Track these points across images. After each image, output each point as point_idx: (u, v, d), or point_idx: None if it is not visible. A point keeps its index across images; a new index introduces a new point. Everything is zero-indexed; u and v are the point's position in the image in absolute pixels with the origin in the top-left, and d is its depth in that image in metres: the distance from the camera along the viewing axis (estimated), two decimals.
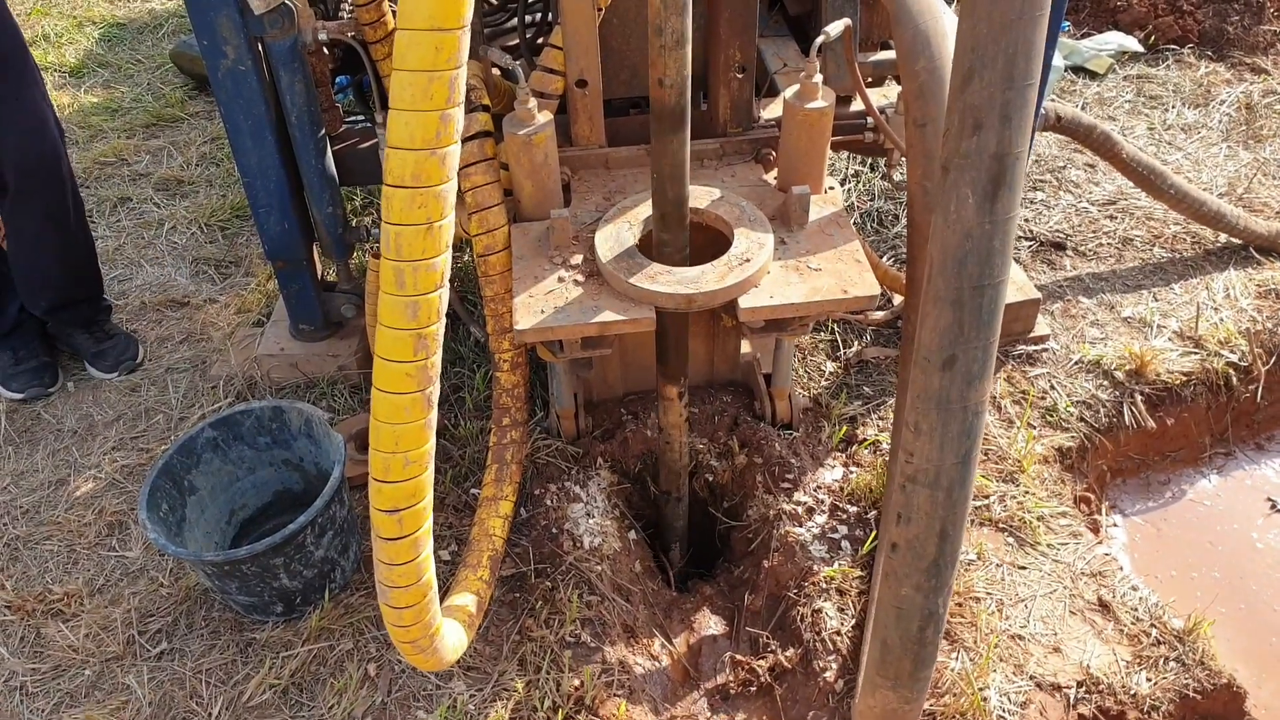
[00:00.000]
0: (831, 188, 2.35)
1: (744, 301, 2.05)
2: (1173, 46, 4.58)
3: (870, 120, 2.65)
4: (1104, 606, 2.49)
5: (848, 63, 2.34)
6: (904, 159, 2.96)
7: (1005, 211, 1.28)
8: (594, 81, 2.28)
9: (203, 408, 3.00)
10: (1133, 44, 4.48)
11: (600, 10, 2.19)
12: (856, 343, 3.14)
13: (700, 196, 2.22)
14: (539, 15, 2.85)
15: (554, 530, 2.56)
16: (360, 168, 2.76)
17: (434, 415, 1.44)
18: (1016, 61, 1.22)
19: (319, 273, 2.91)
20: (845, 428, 2.81)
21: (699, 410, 2.82)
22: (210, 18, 2.32)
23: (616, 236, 2.15)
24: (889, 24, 2.87)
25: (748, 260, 2.07)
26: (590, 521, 2.59)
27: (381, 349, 1.36)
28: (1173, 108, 4.23)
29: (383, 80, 2.55)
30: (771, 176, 2.41)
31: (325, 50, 2.60)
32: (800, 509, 2.63)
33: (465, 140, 2.18)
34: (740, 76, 2.32)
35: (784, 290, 2.07)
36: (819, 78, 2.18)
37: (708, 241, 2.20)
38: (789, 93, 2.21)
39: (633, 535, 2.68)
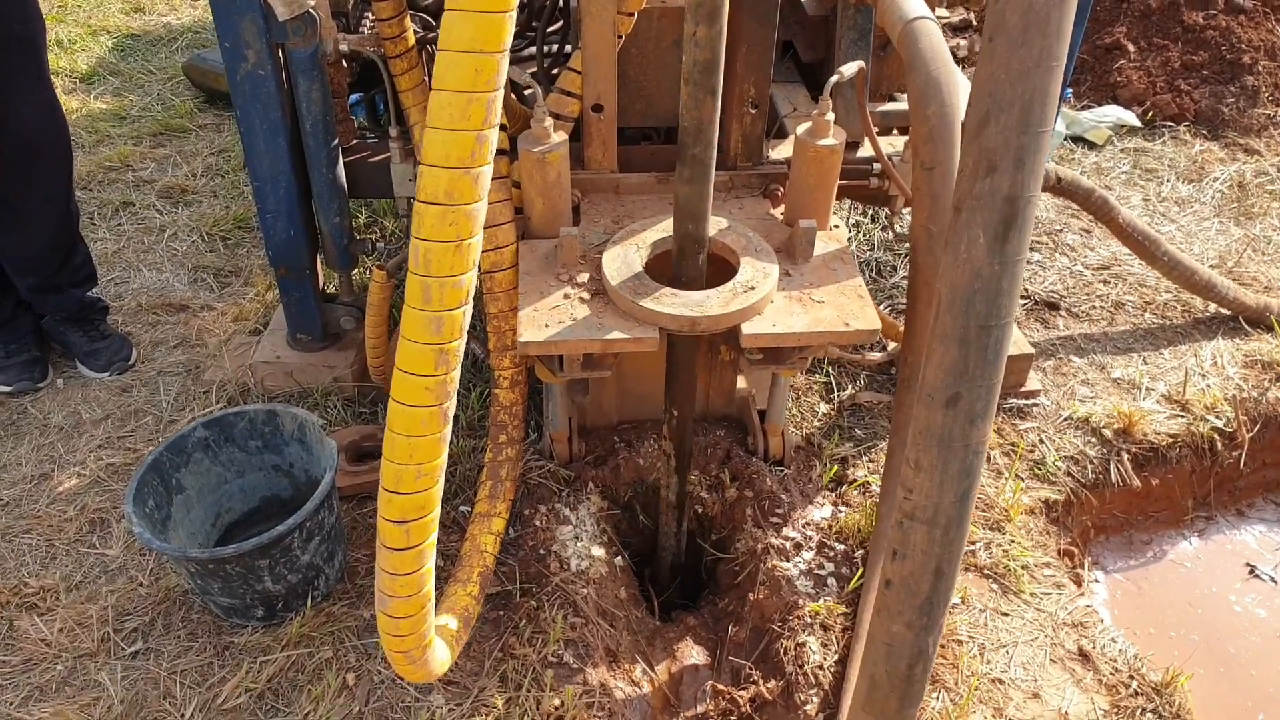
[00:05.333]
0: (836, 225, 2.40)
1: (746, 328, 2.08)
2: (1169, 124, 4.71)
3: (876, 167, 2.71)
4: (1084, 656, 2.49)
5: (858, 105, 2.39)
6: (907, 208, 3.03)
7: (1015, 253, 1.31)
8: (610, 107, 2.32)
9: (193, 411, 2.99)
10: (1131, 118, 4.60)
11: (620, 38, 2.24)
12: (850, 386, 3.16)
13: (710, 225, 2.25)
14: (556, 46, 2.91)
15: (541, 551, 2.55)
16: (370, 181, 2.79)
17: (449, 430, 1.45)
18: (1032, 108, 1.26)
19: (320, 283, 2.92)
20: (836, 467, 2.82)
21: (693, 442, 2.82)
22: (234, 21, 2.36)
23: (624, 258, 2.18)
24: (898, 76, 2.96)
25: (752, 288, 2.10)
26: (578, 545, 2.58)
27: (403, 362, 1.38)
28: (1168, 181, 4.33)
29: (400, 96, 2.58)
30: (778, 211, 2.45)
31: (343, 63, 2.64)
32: (788, 544, 2.63)
33: None
34: (753, 112, 2.37)
35: (786, 319, 2.10)
36: (831, 116, 2.23)
37: (714, 269, 2.23)
38: (801, 129, 2.26)
39: (619, 561, 2.67)
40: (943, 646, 2.44)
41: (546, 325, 2.06)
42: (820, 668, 2.37)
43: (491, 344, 2.34)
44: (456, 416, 2.88)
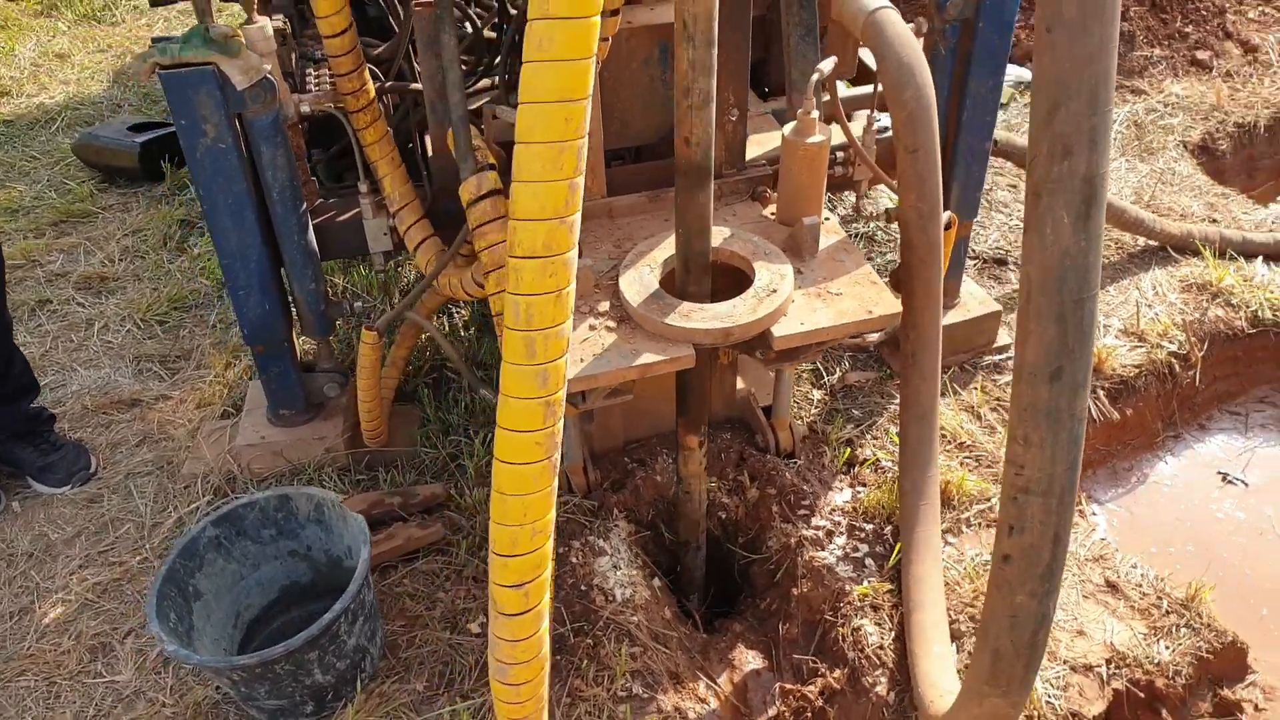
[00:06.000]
0: (827, 217, 2.44)
1: (777, 330, 2.10)
2: None
3: (839, 155, 2.77)
4: (1112, 587, 2.61)
5: (832, 98, 2.44)
6: (871, 190, 3.10)
7: (1097, 228, 1.37)
8: (595, 135, 2.31)
9: (178, 510, 2.83)
10: (1027, 75, 4.83)
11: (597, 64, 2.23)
12: (838, 369, 3.23)
13: (712, 236, 2.26)
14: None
15: (583, 587, 2.51)
16: (340, 241, 2.69)
17: (556, 483, 1.42)
18: (1098, 91, 1.31)
19: (298, 353, 2.81)
20: (848, 450, 2.88)
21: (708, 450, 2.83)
22: (189, 96, 2.24)
23: (640, 280, 2.17)
24: (845, 65, 3.03)
25: (774, 291, 2.12)
26: (618, 574, 2.56)
27: (508, 421, 1.34)
28: None
29: (366, 150, 2.51)
30: (769, 211, 2.48)
31: (301, 124, 2.55)
32: (820, 533, 2.67)
33: (479, 199, 2.17)
34: (734, 119, 2.39)
35: (812, 316, 2.13)
36: (816, 114, 2.27)
37: (726, 278, 2.24)
38: (788, 129, 2.30)
39: (656, 582, 2.65)
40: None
41: (581, 359, 2.03)
42: (881, 648, 2.42)
43: None
44: (464, 466, 2.83)
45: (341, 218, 2.69)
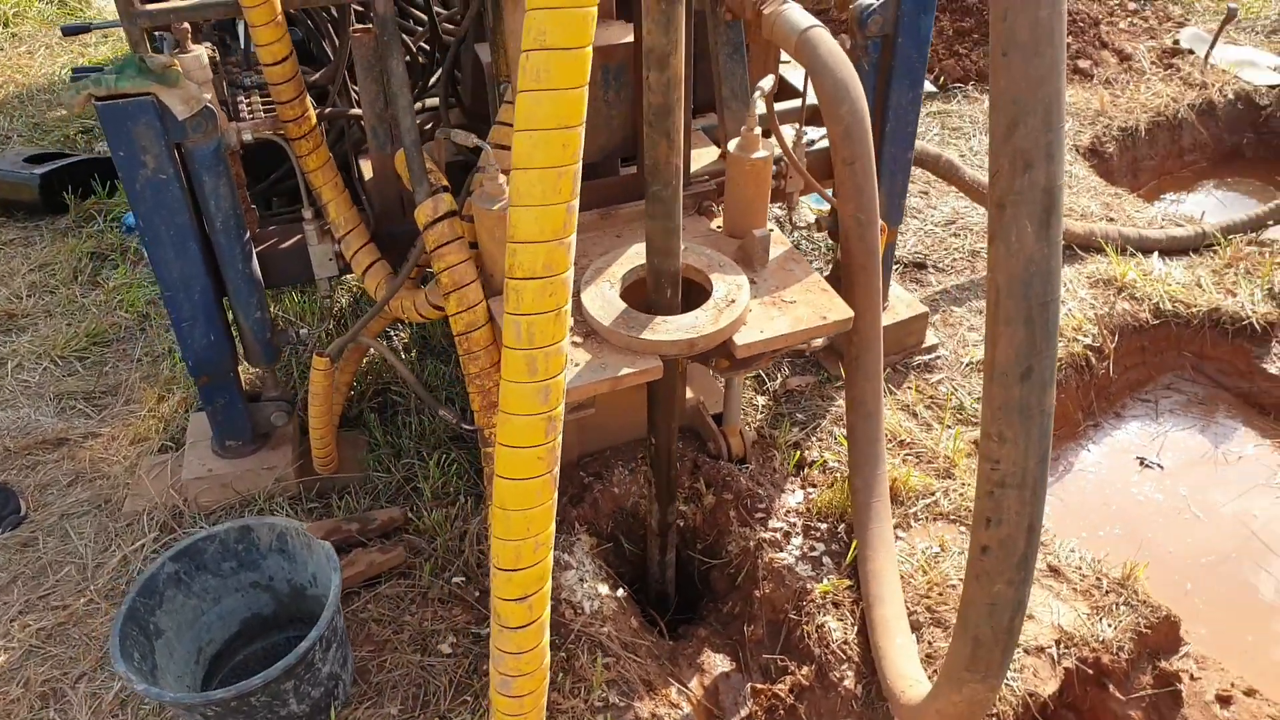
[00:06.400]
0: (772, 229, 2.52)
1: (739, 339, 2.16)
2: (959, 85, 5.21)
3: (774, 168, 2.86)
4: (1054, 571, 2.76)
5: (769, 114, 2.53)
6: (801, 199, 3.20)
7: (1057, 236, 1.47)
8: None
9: (122, 548, 2.73)
10: (928, 85, 5.05)
11: None
12: (778, 375, 3.32)
13: None
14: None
15: (553, 601, 2.52)
16: (282, 268, 2.65)
17: (556, 497, 1.45)
18: (1052, 108, 1.41)
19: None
20: (797, 454, 2.96)
21: None
22: (128, 127, 2.19)
23: (602, 296, 2.20)
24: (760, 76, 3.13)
25: (733, 301, 2.19)
26: (585, 586, 2.58)
27: (508, 437, 1.36)
28: (974, 136, 4.79)
29: (308, 176, 2.48)
30: (716, 225, 2.55)
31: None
32: (778, 535, 2.74)
33: (435, 221, 2.18)
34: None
35: (771, 324, 2.20)
36: (759, 130, 2.35)
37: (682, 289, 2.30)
38: (733, 145, 2.37)
39: (621, 593, 2.68)
40: (940, 594, 2.63)
41: None
42: (845, 643, 2.50)
43: (477, 404, 2.30)
44: (419, 489, 2.81)
45: (284, 245, 2.65)
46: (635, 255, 2.32)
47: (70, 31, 2.85)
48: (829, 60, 2.39)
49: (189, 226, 2.37)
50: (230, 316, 2.63)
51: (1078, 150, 4.78)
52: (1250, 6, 6.05)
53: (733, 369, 2.41)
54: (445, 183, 2.26)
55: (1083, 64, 5.34)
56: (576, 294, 2.25)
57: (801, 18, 2.47)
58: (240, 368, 2.75)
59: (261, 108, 2.66)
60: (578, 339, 2.16)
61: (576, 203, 1.30)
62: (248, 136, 2.38)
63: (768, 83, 2.36)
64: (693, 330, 2.11)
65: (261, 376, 2.78)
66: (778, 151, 2.70)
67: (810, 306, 2.26)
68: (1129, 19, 5.75)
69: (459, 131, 2.17)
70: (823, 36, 2.42)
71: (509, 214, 1.28)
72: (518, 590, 1.45)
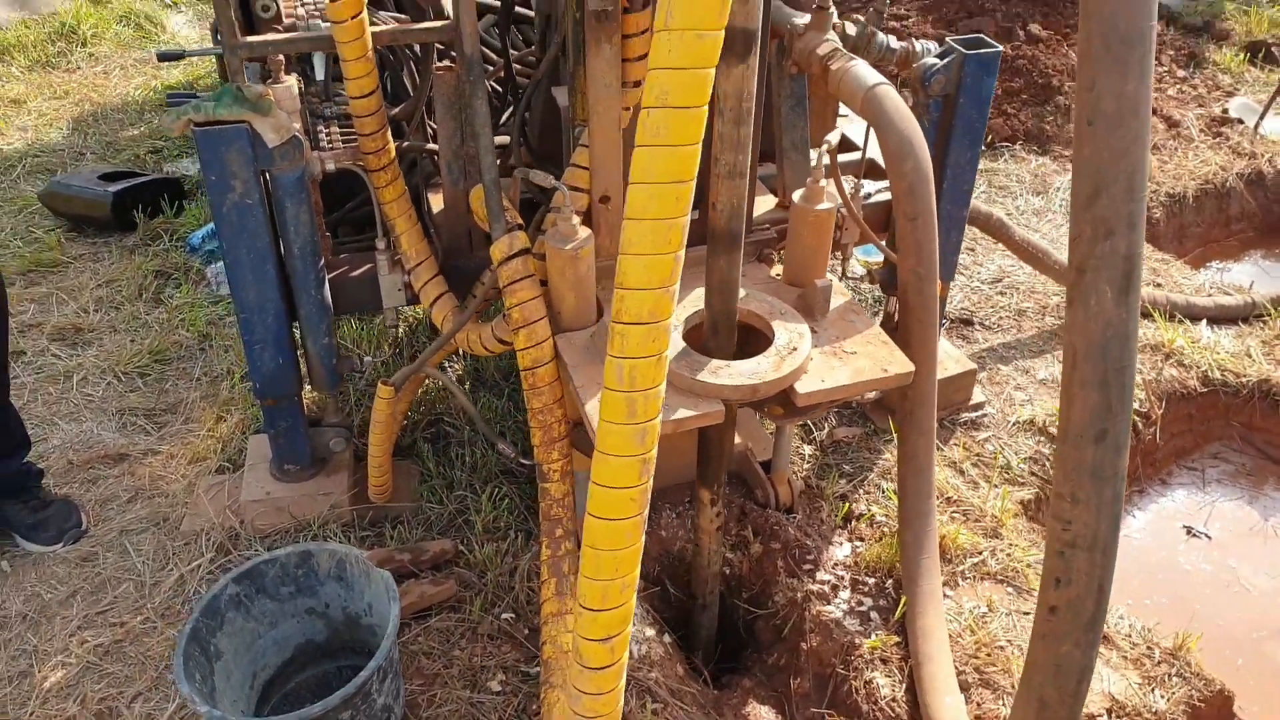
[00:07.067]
0: (832, 279, 2.56)
1: (800, 387, 2.19)
2: (1006, 144, 5.25)
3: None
4: (1105, 638, 2.73)
5: (833, 167, 2.57)
6: (854, 252, 3.24)
7: (1135, 301, 1.50)
8: (616, 198, 2.40)
9: (179, 567, 2.77)
10: None
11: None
12: (825, 425, 3.33)
13: None
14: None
15: None
16: (352, 296, 2.72)
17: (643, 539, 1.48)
18: (1135, 179, 1.45)
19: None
20: (846, 505, 2.97)
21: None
22: (221, 153, 2.27)
23: None
24: (822, 135, 3.19)
25: (795, 350, 2.22)
26: (633, 629, 2.58)
27: (604, 477, 1.40)
28: (1021, 196, 4.83)
29: (384, 208, 2.55)
30: (775, 272, 2.59)
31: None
32: (826, 587, 2.74)
33: (510, 258, 2.23)
34: None
35: (832, 374, 2.23)
36: (825, 182, 2.40)
37: (741, 335, 2.33)
38: (797, 196, 2.42)
39: (668, 639, 2.69)
40: (989, 654, 2.61)
41: None
42: (894, 700, 2.49)
43: (538, 439, 2.33)
44: (471, 522, 2.84)
45: (354, 273, 2.72)
46: (696, 299, 2.36)
47: (166, 58, 2.96)
48: (895, 117, 2.45)
49: (269, 251, 2.44)
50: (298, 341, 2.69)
51: None
52: None
53: (787, 416, 2.44)
54: (520, 220, 2.32)
55: None
56: None
57: (869, 74, 2.54)
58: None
59: (340, 138, 2.74)
60: None
61: (683, 253, 1.34)
62: (330, 166, 2.46)
63: (835, 137, 2.42)
64: (755, 376, 2.14)
65: (322, 402, 2.84)
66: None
67: (871, 359, 2.28)
68: (1177, 86, 5.79)
69: (536, 172, 2.24)
70: (889, 93, 2.48)
71: (619, 261, 1.32)
72: (601, 630, 1.47)
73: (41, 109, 5.86)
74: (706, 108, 1.27)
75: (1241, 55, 6.21)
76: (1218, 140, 5.36)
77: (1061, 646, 1.65)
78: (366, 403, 3.33)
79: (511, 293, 2.23)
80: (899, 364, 2.28)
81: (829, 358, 2.29)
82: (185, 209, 4.60)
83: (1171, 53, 5.95)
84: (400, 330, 3.73)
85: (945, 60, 2.74)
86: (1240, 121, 5.47)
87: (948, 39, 2.79)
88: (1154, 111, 5.54)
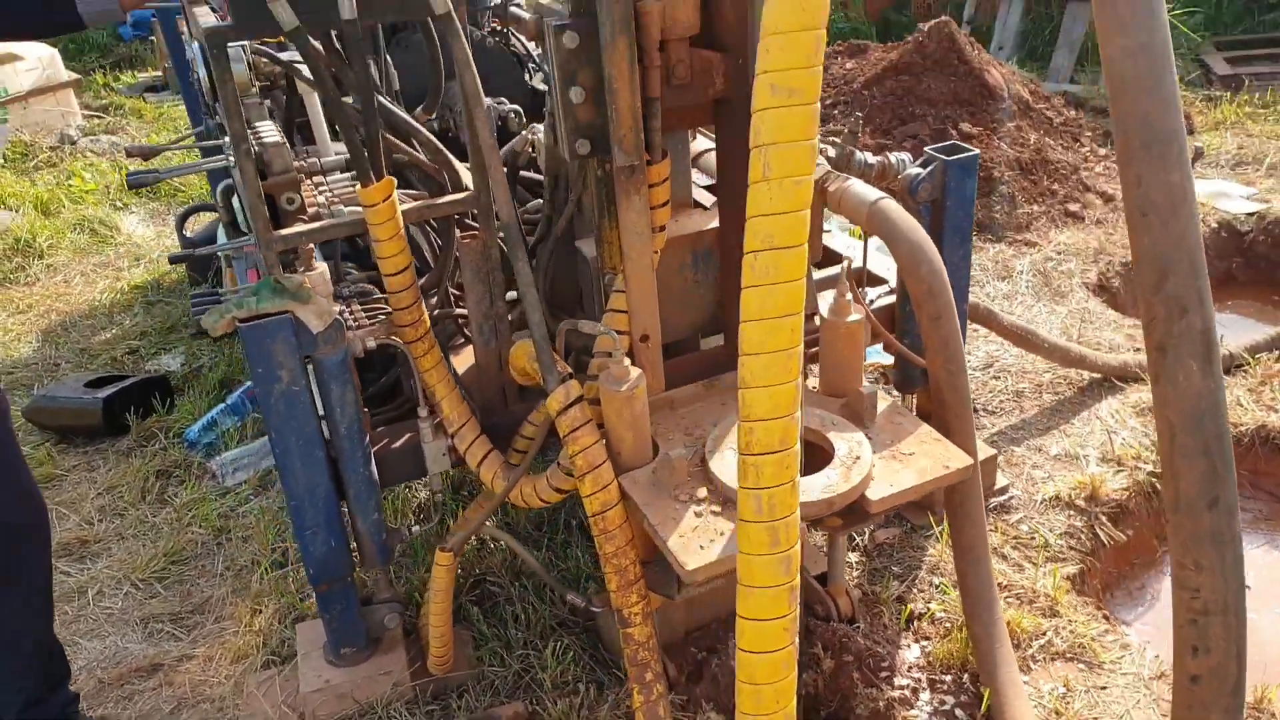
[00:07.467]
0: (876, 386, 2.64)
1: (871, 494, 2.23)
2: None
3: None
4: None
5: (850, 284, 2.68)
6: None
7: (1219, 370, 1.60)
8: (655, 336, 2.47)
9: None
10: None
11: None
12: (866, 529, 3.36)
13: None
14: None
15: None
16: (396, 467, 2.71)
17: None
18: (1196, 258, 1.57)
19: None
20: (907, 607, 2.97)
21: None
22: (267, 345, 2.30)
23: (730, 464, 2.28)
24: (814, 251, 3.33)
25: (858, 458, 2.27)
26: None
27: (752, 611, 1.41)
28: (988, 283, 5.05)
29: (423, 376, 2.59)
30: (810, 384, 2.67)
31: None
32: (906, 692, 2.72)
33: (568, 407, 2.27)
34: None
35: (898, 477, 2.28)
36: (850, 295, 2.51)
37: None
38: (827, 311, 2.52)
39: None
40: None
41: (702, 547, 2.10)
42: None
43: (614, 584, 2.32)
44: (539, 680, 2.77)
45: (395, 444, 2.72)
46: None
47: (135, 185, 2.99)
48: (905, 227, 2.59)
49: (316, 435, 2.44)
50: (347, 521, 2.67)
51: (1087, 287, 5.03)
52: (1211, 144, 6.53)
53: (845, 527, 2.47)
54: (570, 370, 2.37)
55: (1072, 207, 5.69)
56: (703, 462, 2.33)
57: (868, 190, 2.70)
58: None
59: (364, 314, 2.79)
60: (715, 508, 2.22)
61: (799, 382, 1.40)
62: (371, 343, 2.49)
63: (856, 258, 2.54)
64: (829, 490, 2.18)
65: (373, 579, 2.79)
66: None
67: (930, 457, 2.34)
68: (1103, 163, 6.18)
69: (585, 322, 2.31)
70: (893, 205, 2.63)
71: (740, 395, 1.37)
72: None
73: (6, 325, 5.81)
74: (806, 246, 1.35)
75: None
76: None
77: (1209, 715, 1.67)
78: (403, 573, 3.27)
79: (574, 440, 2.26)
80: (958, 459, 2.34)
81: (890, 461, 2.34)
82: (176, 405, 4.56)
83: (1089, 134, 6.37)
84: (423, 495, 3.70)
85: (929, 169, 2.92)
86: None
87: (926, 149, 2.98)
88: (1088, 188, 5.90)
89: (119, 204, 7.69)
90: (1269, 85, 7.42)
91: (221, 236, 4.31)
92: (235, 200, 3.81)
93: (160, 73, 11.43)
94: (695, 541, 2.12)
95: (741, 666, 1.44)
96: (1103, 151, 6.37)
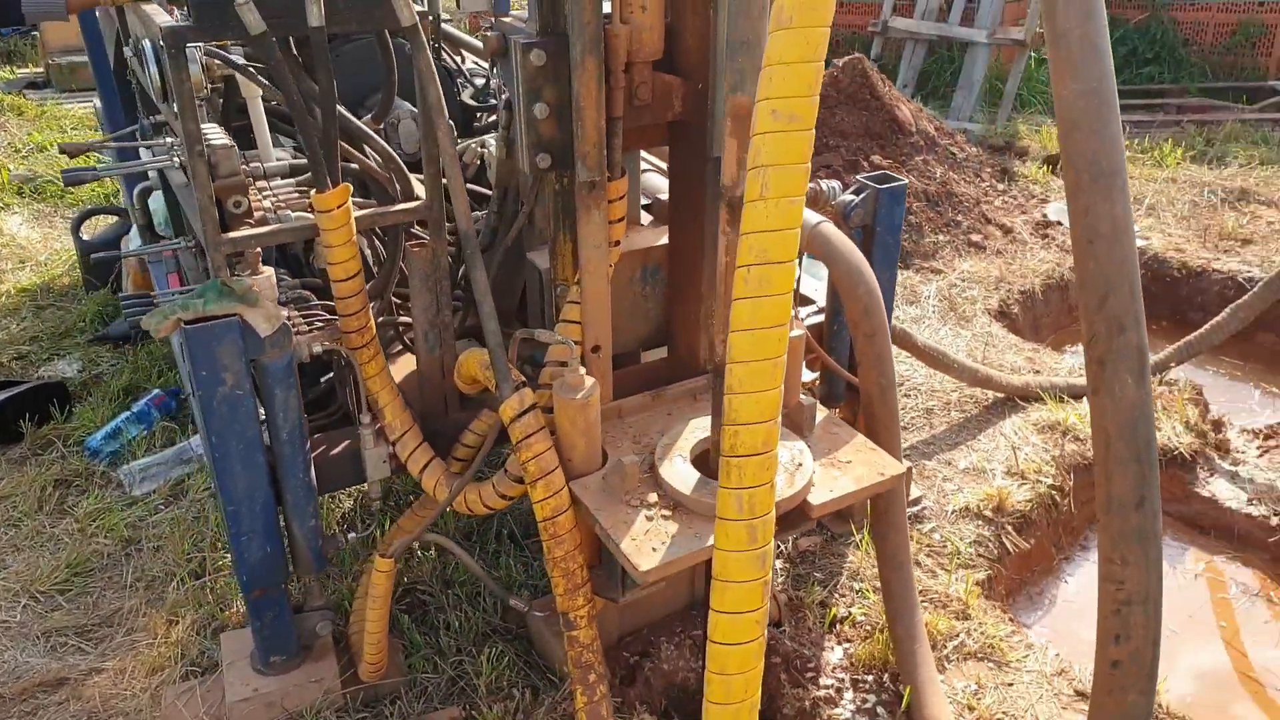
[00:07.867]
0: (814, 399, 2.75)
1: (813, 499, 2.33)
2: None
3: None
4: (1081, 695, 2.93)
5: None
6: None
7: (1149, 384, 1.75)
8: (606, 347, 2.53)
9: None
10: None
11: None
12: (788, 538, 3.47)
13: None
14: None
15: None
16: (334, 473, 2.68)
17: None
18: (1134, 283, 1.72)
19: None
20: (831, 611, 3.09)
21: (697, 633, 2.95)
22: (212, 347, 2.25)
23: (678, 470, 2.35)
24: None
25: (800, 465, 2.37)
26: None
27: (728, 604, 1.49)
28: (898, 307, 5.27)
29: (367, 383, 2.57)
30: None
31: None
32: (830, 691, 2.83)
33: (521, 415, 2.30)
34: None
35: (837, 484, 2.38)
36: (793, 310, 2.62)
37: None
38: None
39: None
40: None
41: (654, 549, 2.16)
42: None
43: (561, 587, 2.34)
44: (473, 685, 2.78)
45: (333, 451, 2.69)
46: (696, 429, 2.49)
47: (71, 182, 2.89)
48: (843, 249, 2.73)
49: (257, 440, 2.40)
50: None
51: (989, 313, 5.32)
52: None
53: (785, 531, 2.56)
54: (523, 378, 2.40)
55: (975, 238, 6.01)
56: (652, 468, 2.39)
57: (810, 214, 2.82)
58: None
59: (302, 320, 2.76)
60: (666, 512, 2.28)
61: (781, 390, 1.48)
62: (317, 348, 2.47)
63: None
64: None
65: (304, 586, 2.74)
66: None
67: (867, 465, 2.46)
68: (1001, 197, 6.54)
69: (542, 331, 2.34)
70: (833, 230, 2.76)
71: (727, 400, 1.44)
72: None
73: None
74: (796, 262, 1.44)
75: (1045, 167, 7.11)
76: (1046, 240, 6.07)
77: (1128, 697, 1.81)
78: (330, 582, 3.21)
79: (526, 447, 2.29)
80: (893, 467, 2.46)
81: (829, 469, 2.45)
82: (75, 412, 4.36)
83: (989, 170, 6.74)
84: (350, 501, 3.64)
85: (861, 196, 3.07)
86: (1060, 223, 6.23)
87: (858, 177, 3.13)
88: (989, 221, 6.24)
89: (1, 204, 7.30)
90: (1145, 132, 8.00)
91: (136, 239, 4.17)
92: (151, 203, 3.70)
93: (41, 69, 10.90)
94: (647, 544, 2.18)
95: (713, 658, 1.50)
96: (1001, 187, 6.74)
